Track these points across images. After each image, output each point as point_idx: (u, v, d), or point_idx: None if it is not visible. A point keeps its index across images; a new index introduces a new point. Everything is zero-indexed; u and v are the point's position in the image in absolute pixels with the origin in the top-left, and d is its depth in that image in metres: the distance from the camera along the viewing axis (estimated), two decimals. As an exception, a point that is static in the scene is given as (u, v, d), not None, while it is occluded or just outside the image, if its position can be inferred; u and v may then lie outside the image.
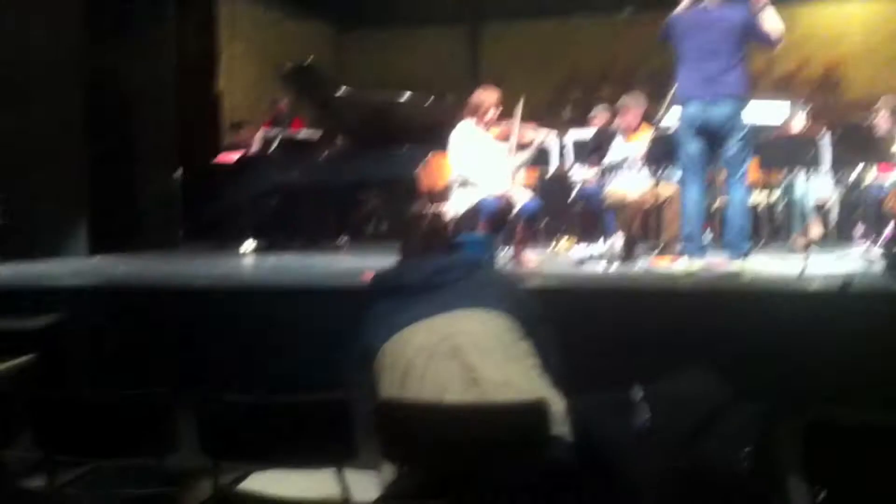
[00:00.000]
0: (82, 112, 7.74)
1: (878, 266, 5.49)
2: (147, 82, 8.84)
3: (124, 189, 8.52)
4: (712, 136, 5.64)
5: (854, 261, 6.04)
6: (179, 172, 9.33)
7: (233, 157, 8.67)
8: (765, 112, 7.63)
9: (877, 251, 5.96)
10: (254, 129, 9.49)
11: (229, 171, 8.55)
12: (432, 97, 8.70)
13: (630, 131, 7.25)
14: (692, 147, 5.68)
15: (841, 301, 4.70)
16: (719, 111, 5.51)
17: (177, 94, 9.21)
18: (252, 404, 2.63)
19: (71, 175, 7.64)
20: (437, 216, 3.50)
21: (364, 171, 8.31)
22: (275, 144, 8.29)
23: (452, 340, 2.71)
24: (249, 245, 8.07)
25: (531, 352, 2.80)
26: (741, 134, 5.57)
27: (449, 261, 2.98)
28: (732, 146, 5.58)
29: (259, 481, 2.62)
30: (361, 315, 2.96)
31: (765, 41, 5.57)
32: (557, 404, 2.62)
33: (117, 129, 8.55)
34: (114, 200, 8.25)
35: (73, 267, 6.84)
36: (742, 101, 5.58)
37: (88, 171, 7.77)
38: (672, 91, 6.18)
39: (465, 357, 2.67)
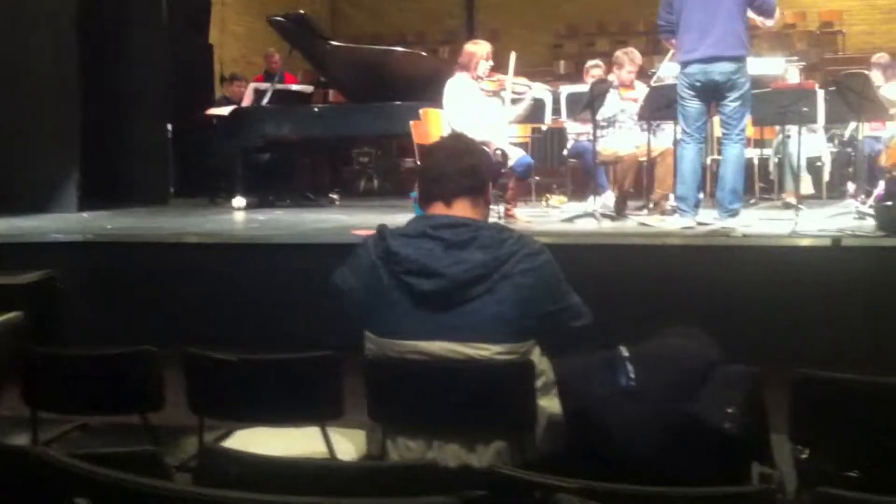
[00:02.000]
0: (74, 67, 7.65)
1: (870, 223, 5.49)
2: (138, 36, 8.73)
3: (115, 145, 8.45)
4: (712, 96, 5.62)
5: (846, 218, 6.03)
6: (170, 127, 9.26)
7: (224, 110, 8.59)
8: (760, 66, 7.59)
9: (868, 208, 5.95)
10: (246, 82, 9.41)
11: (221, 125, 8.48)
12: (424, 52, 8.63)
13: (624, 86, 7.19)
14: (691, 106, 5.65)
15: (832, 257, 4.70)
16: (719, 70, 5.48)
17: (168, 46, 9.10)
18: (239, 361, 2.61)
19: (61, 130, 7.57)
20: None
21: (356, 126, 8.25)
22: (267, 98, 8.20)
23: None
24: (240, 201, 8.02)
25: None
26: (740, 93, 5.54)
27: (472, 271, 2.48)
28: (730, 104, 5.56)
29: (243, 439, 2.62)
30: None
31: (763, 12, 5.58)
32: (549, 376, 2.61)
33: (108, 84, 8.47)
34: (103, 155, 8.19)
35: (62, 222, 6.80)
36: (742, 60, 5.55)
37: (79, 126, 7.70)
38: (671, 50, 6.14)
39: None
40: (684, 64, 5.63)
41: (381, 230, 2.60)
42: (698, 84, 5.57)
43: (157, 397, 2.74)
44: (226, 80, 10.16)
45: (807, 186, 7.65)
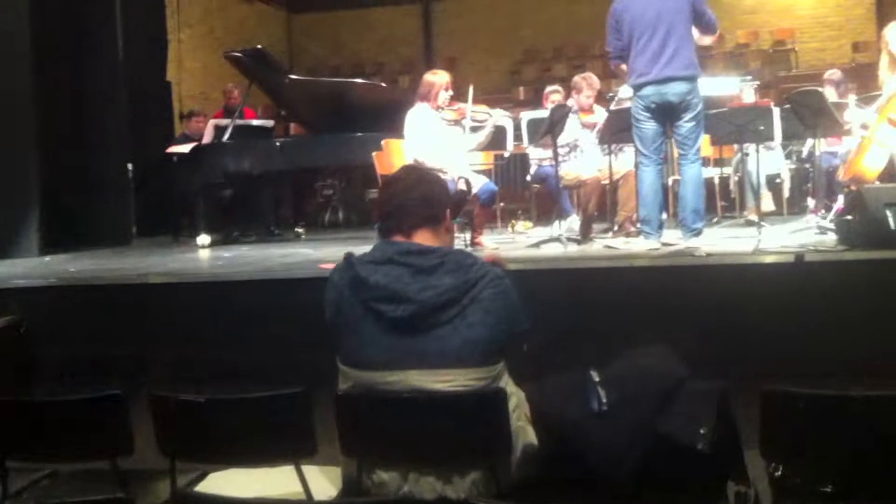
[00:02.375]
0: (29, 107, 7.57)
1: (831, 237, 5.56)
2: (95, 74, 8.68)
3: (75, 186, 8.36)
4: (666, 116, 5.69)
5: (807, 233, 6.11)
6: (131, 166, 9.19)
7: (185, 147, 8.55)
8: (715, 86, 7.70)
9: (828, 223, 6.04)
10: (205, 118, 9.37)
11: (182, 163, 8.44)
12: (384, 83, 8.66)
13: (584, 110, 7.26)
14: (647, 128, 5.71)
15: (796, 273, 4.75)
16: (673, 91, 5.55)
17: (125, 84, 9.06)
18: (207, 402, 2.58)
19: (19, 172, 7.48)
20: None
21: (318, 158, 8.25)
22: (227, 133, 8.18)
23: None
24: (205, 238, 7.97)
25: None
26: (694, 113, 5.62)
27: (440, 298, 2.50)
28: (685, 124, 5.63)
29: (217, 481, 2.59)
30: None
31: (707, 28, 5.69)
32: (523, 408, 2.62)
33: (66, 124, 8.40)
34: (64, 199, 8.10)
35: (25, 267, 6.71)
36: (695, 80, 5.63)
37: (38, 170, 7.62)
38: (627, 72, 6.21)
39: None
40: (638, 87, 5.70)
41: (349, 258, 2.62)
42: (654, 105, 5.63)
43: (125, 442, 2.69)
44: (185, 116, 10.12)
45: (767, 203, 7.75)
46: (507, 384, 2.61)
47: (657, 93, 5.59)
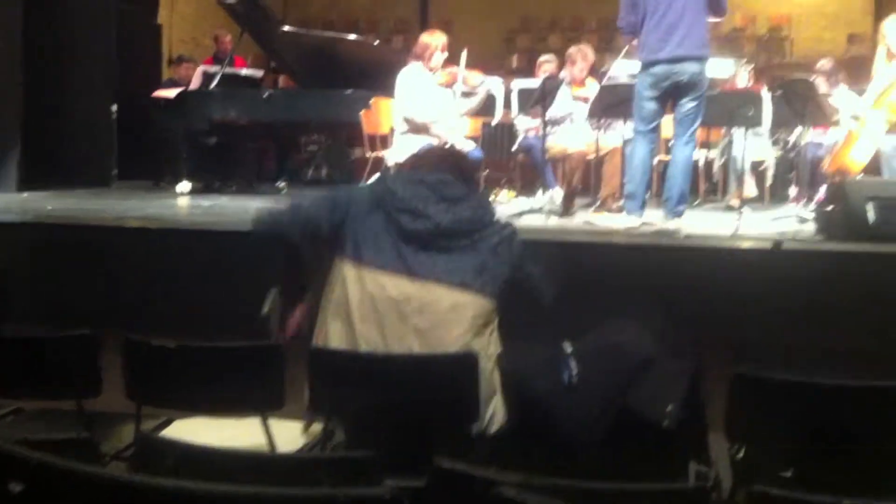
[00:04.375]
0: (15, 45, 7.46)
1: (810, 227, 5.59)
2: (85, 14, 8.55)
3: (57, 124, 8.27)
4: (671, 95, 5.64)
5: (787, 221, 6.14)
6: (115, 108, 9.08)
7: (171, 92, 8.46)
8: (710, 68, 7.67)
9: (809, 212, 6.06)
10: (194, 64, 9.27)
11: (167, 108, 8.35)
12: (377, 41, 8.58)
13: (576, 83, 7.23)
14: (649, 106, 5.66)
15: (772, 260, 4.78)
16: (684, 70, 5.50)
17: (116, 26, 8.93)
18: (179, 349, 2.58)
19: (3, 108, 7.39)
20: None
21: (306, 112, 8.17)
22: (215, 81, 8.09)
23: (415, 308, 2.72)
24: (185, 186, 7.91)
25: (494, 339, 2.82)
26: (699, 93, 5.57)
27: (457, 225, 2.79)
28: (688, 103, 5.59)
29: (182, 428, 2.59)
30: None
31: (718, 9, 5.62)
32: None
33: (52, 63, 8.28)
34: (46, 135, 8.01)
35: (1, 202, 6.64)
36: (705, 61, 5.58)
37: (21, 105, 7.52)
38: (626, 46, 6.16)
39: (423, 329, 2.71)
40: (648, 63, 5.62)
41: (384, 172, 2.86)
42: (663, 84, 5.57)
43: (93, 383, 2.69)
44: (174, 62, 10.00)
45: (750, 189, 7.77)
46: (492, 344, 2.67)
47: (667, 71, 5.52)
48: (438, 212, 2.77)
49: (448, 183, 2.85)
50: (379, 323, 2.69)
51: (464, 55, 6.40)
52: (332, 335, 2.75)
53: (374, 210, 2.81)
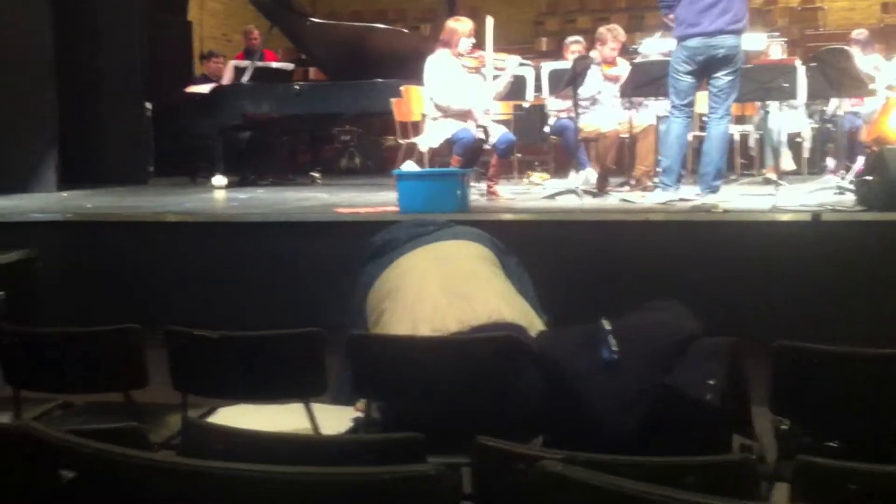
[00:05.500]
0: (48, 45, 7.56)
1: (849, 198, 5.52)
2: (115, 14, 8.64)
3: (93, 124, 8.37)
4: (707, 70, 5.58)
5: (825, 193, 6.07)
6: (149, 105, 9.17)
7: (204, 88, 8.52)
8: (742, 42, 7.58)
9: (848, 183, 5.98)
10: (224, 59, 9.32)
11: (200, 103, 8.41)
12: (405, 29, 8.57)
13: (607, 62, 7.18)
14: (685, 81, 5.62)
15: (812, 232, 4.73)
16: (722, 44, 5.44)
17: (146, 24, 9.01)
18: (221, 339, 2.61)
19: (40, 109, 7.49)
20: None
21: (337, 104, 8.19)
22: (247, 75, 8.14)
23: (440, 252, 3.23)
24: (221, 180, 7.97)
25: (508, 275, 3.24)
26: (735, 67, 5.52)
27: (420, 221, 3.51)
28: (723, 77, 5.53)
29: (227, 416, 2.62)
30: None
31: None
32: (537, 325, 2.68)
33: (86, 62, 8.38)
34: (83, 134, 8.11)
35: (42, 202, 6.75)
36: (741, 35, 5.52)
37: (57, 106, 7.62)
38: (659, 25, 6.08)
39: (451, 265, 3.14)
40: (684, 37, 5.57)
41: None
42: (699, 58, 5.51)
43: (140, 375, 2.73)
44: (204, 57, 10.07)
45: (787, 162, 7.68)
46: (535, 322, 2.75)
47: (704, 45, 5.47)
48: None
49: None
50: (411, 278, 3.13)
51: (489, 25, 6.30)
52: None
53: (368, 263, 3.42)
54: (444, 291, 2.90)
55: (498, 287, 3.10)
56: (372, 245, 3.46)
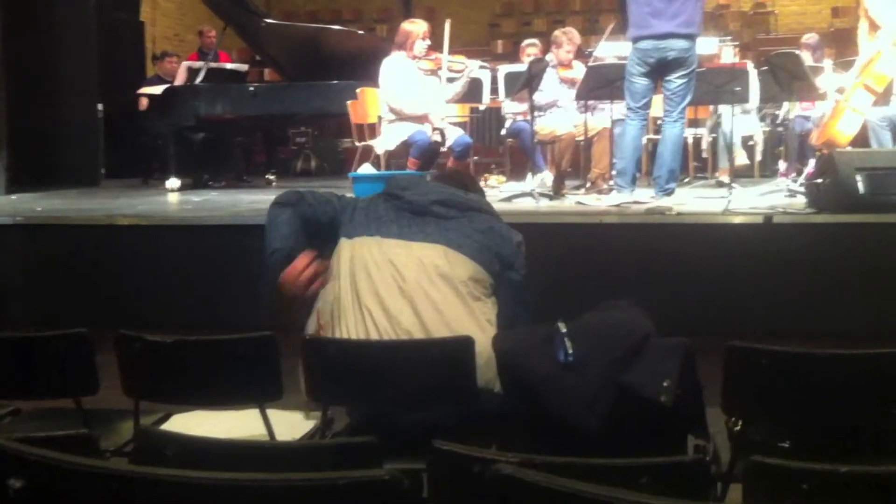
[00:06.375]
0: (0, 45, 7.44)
1: (800, 200, 5.61)
2: (65, 14, 8.51)
3: (43, 125, 8.24)
4: (660, 73, 5.64)
5: (777, 195, 6.16)
6: (101, 106, 9.05)
7: (156, 89, 8.43)
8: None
9: (799, 186, 6.08)
10: (178, 59, 9.23)
11: (153, 104, 8.32)
12: (361, 30, 8.55)
13: (563, 65, 7.23)
14: (639, 83, 5.67)
15: (763, 234, 4.79)
16: (672, 47, 5.49)
17: (97, 24, 8.89)
18: (174, 343, 2.57)
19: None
20: None
21: (292, 105, 8.15)
22: (201, 76, 8.06)
23: (406, 265, 2.72)
24: (175, 182, 7.89)
25: (489, 308, 2.79)
26: (688, 70, 5.57)
27: (454, 197, 2.90)
28: (676, 80, 5.59)
29: (180, 422, 2.59)
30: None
31: None
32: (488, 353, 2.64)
33: (37, 62, 8.24)
34: (33, 136, 7.98)
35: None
36: (694, 39, 5.58)
37: (5, 107, 7.49)
38: (610, 26, 6.13)
39: (414, 286, 2.68)
40: (636, 39, 5.62)
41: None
42: (651, 60, 5.57)
43: (90, 381, 2.68)
44: (157, 57, 9.97)
45: (742, 158, 7.80)
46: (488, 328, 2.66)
47: (654, 47, 5.52)
48: (434, 188, 2.93)
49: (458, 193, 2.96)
50: (366, 273, 2.70)
51: (447, 27, 6.34)
52: (323, 296, 2.77)
53: (376, 198, 2.90)
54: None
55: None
56: (389, 185, 2.98)
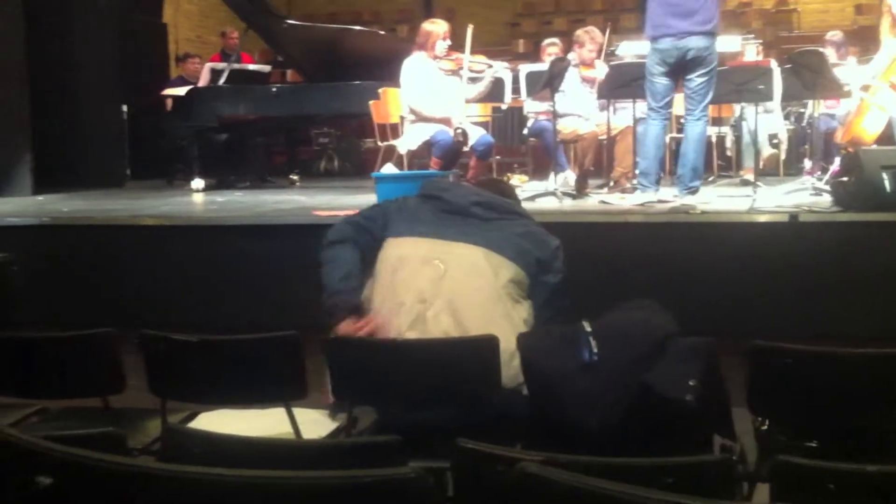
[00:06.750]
0: (21, 48, 7.49)
1: (826, 199, 5.56)
2: (88, 17, 8.58)
3: (68, 127, 8.31)
4: (680, 71, 5.61)
5: (802, 194, 6.11)
6: (125, 108, 9.12)
7: (180, 90, 8.48)
8: (717, 44, 7.62)
9: (824, 184, 6.03)
10: (201, 60, 9.28)
11: (176, 106, 8.37)
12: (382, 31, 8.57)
13: (585, 64, 7.20)
14: (660, 82, 5.64)
15: (789, 233, 4.76)
16: (691, 45, 5.47)
17: (120, 27, 8.95)
18: (199, 342, 2.59)
19: (14, 112, 7.43)
20: None
21: (314, 106, 8.18)
22: (223, 77, 8.10)
23: (446, 263, 2.73)
24: (199, 183, 7.93)
25: (527, 310, 2.80)
26: (708, 69, 5.54)
27: (493, 199, 2.91)
28: (697, 79, 5.56)
29: (207, 421, 2.60)
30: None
31: None
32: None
33: (61, 64, 8.32)
34: (58, 138, 8.05)
35: (17, 206, 6.69)
36: (714, 37, 5.55)
37: (30, 110, 7.56)
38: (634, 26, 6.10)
39: (451, 287, 2.69)
40: (655, 39, 5.60)
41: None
42: (671, 59, 5.55)
43: (117, 380, 2.70)
44: (180, 59, 10.03)
45: (764, 162, 7.74)
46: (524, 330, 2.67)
47: (674, 47, 5.50)
48: (474, 192, 2.93)
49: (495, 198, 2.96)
50: (405, 272, 2.71)
51: (469, 33, 6.35)
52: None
53: (414, 199, 2.92)
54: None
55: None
56: (427, 185, 3.01)
